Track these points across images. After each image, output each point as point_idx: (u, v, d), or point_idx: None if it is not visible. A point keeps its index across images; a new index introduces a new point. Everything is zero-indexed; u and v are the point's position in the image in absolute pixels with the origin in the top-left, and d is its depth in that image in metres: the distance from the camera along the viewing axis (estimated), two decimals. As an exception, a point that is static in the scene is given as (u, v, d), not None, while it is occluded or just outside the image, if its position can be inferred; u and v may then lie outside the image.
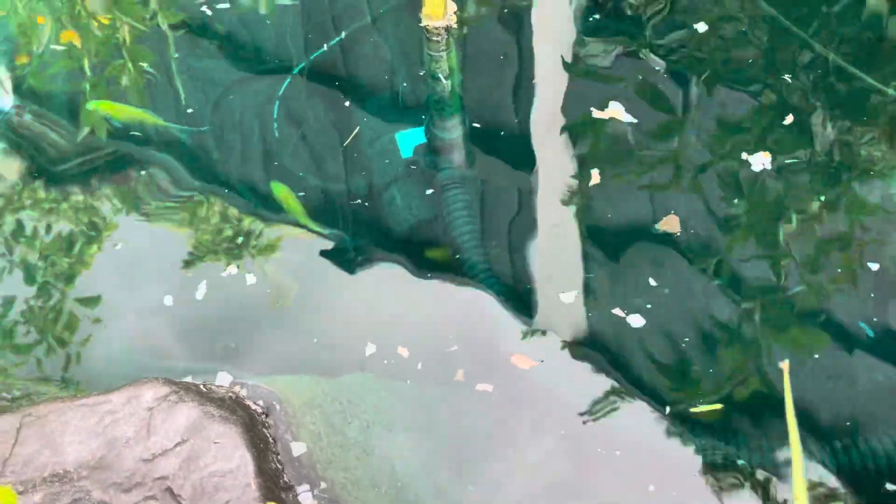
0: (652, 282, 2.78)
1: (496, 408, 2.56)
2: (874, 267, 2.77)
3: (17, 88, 3.58)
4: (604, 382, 2.62)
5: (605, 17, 3.65)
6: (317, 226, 3.05)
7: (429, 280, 2.87)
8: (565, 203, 3.04)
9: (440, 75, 3.43)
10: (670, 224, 2.91)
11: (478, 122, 3.31)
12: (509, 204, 3.11)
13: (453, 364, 2.64)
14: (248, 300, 2.84)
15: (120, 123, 3.39)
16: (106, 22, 3.79)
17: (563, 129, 3.25)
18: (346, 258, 2.95)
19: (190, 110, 3.42)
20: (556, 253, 2.93)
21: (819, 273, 2.79)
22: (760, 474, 2.41)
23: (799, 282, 2.78)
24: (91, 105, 3.44)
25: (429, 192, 3.09)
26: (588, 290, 2.80)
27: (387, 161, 3.19)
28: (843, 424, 2.48)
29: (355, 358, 2.67)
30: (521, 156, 3.20)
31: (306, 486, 2.37)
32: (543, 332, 2.72)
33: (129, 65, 3.60)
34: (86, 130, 3.38)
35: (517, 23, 3.67)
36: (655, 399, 2.57)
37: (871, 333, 2.65)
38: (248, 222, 3.07)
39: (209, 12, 3.78)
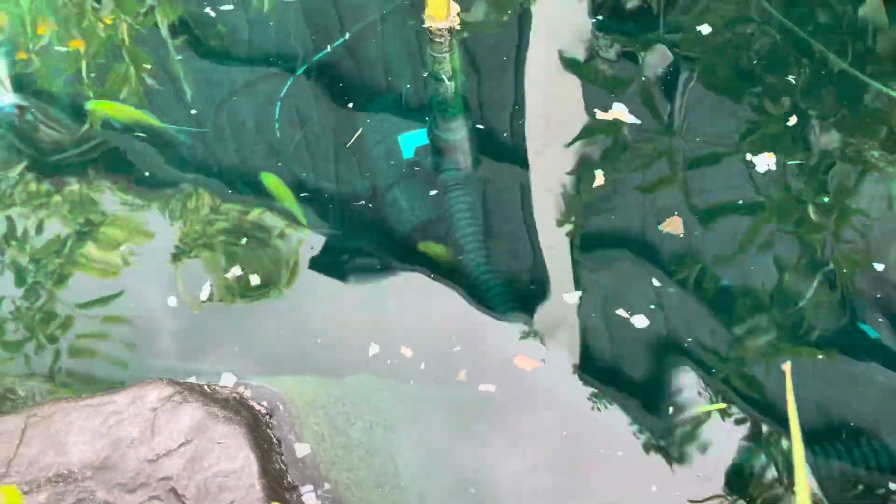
0: (656, 283, 2.79)
1: (499, 408, 2.56)
2: (879, 267, 2.78)
3: (19, 87, 3.59)
4: (607, 383, 2.62)
5: (608, 18, 3.65)
6: (306, 217, 3.08)
7: (432, 281, 2.87)
8: (569, 204, 3.04)
9: (443, 76, 3.44)
10: (674, 225, 2.91)
11: (481, 124, 3.31)
12: (512, 205, 3.11)
13: (456, 364, 2.64)
14: (251, 301, 2.84)
15: (119, 124, 3.40)
16: (109, 22, 3.79)
17: (566, 130, 3.25)
18: (349, 259, 2.95)
19: (193, 111, 3.43)
20: (559, 254, 2.93)
21: (824, 273, 2.79)
22: (763, 475, 2.41)
23: (803, 282, 2.78)
24: (90, 105, 3.45)
25: (432, 193, 3.09)
26: (591, 290, 2.80)
27: (391, 162, 3.19)
28: (847, 426, 2.48)
29: (358, 358, 2.67)
30: (524, 157, 3.21)
31: (310, 487, 2.38)
32: (546, 333, 2.72)
33: (132, 66, 3.61)
34: (85, 126, 3.38)
35: (520, 24, 3.68)
36: (658, 400, 2.57)
37: (873, 335, 2.65)
38: (252, 223, 3.07)
39: (212, 14, 3.79)
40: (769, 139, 3.14)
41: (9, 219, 3.12)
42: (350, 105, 3.40)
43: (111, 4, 3.87)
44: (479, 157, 3.23)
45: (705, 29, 3.53)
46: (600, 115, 3.26)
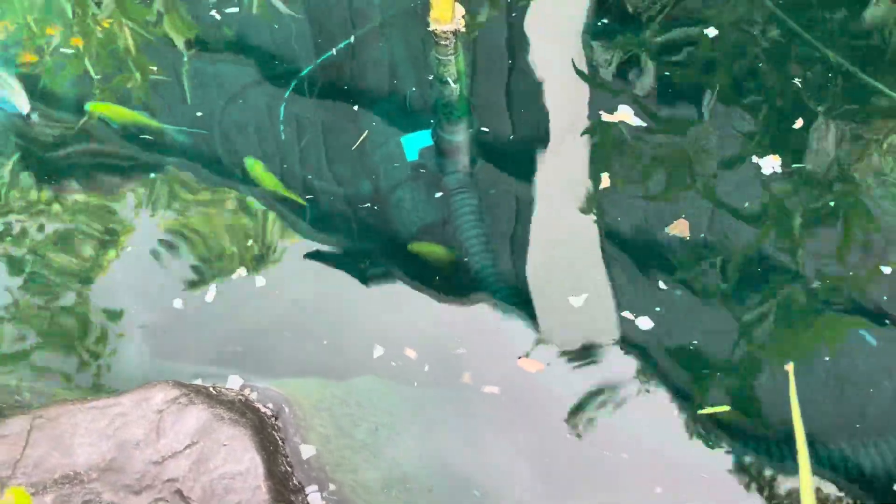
0: (662, 285, 2.79)
1: (503, 410, 2.56)
2: (887, 270, 2.77)
3: (26, 89, 3.59)
4: (611, 385, 2.62)
5: (613, 21, 3.65)
6: (293, 194, 3.12)
7: (436, 283, 2.87)
8: (574, 206, 3.04)
9: (448, 79, 3.44)
10: (680, 228, 2.91)
11: (485, 126, 3.31)
12: (517, 207, 3.11)
13: (460, 367, 2.64)
14: (257, 303, 2.84)
15: (117, 125, 3.40)
16: (107, 25, 3.80)
17: (572, 133, 3.25)
18: (354, 261, 2.96)
19: (199, 113, 3.43)
20: (564, 256, 2.93)
21: (831, 276, 2.79)
22: (768, 476, 2.41)
23: (809, 285, 2.78)
24: (89, 107, 3.46)
25: (437, 195, 3.09)
26: (597, 292, 2.80)
27: (395, 164, 3.20)
28: (851, 427, 2.48)
29: (363, 360, 2.67)
30: (529, 159, 3.21)
31: (315, 489, 2.38)
32: (551, 335, 2.73)
33: (137, 69, 3.62)
34: (93, 131, 3.39)
35: (525, 27, 3.68)
36: (663, 401, 2.57)
37: (873, 342, 2.65)
38: (256, 225, 3.07)
39: (218, 16, 3.80)
40: (775, 142, 3.14)
41: (12, 220, 3.12)
42: (355, 107, 3.40)
43: (112, 6, 3.88)
44: (484, 159, 3.23)
45: (711, 31, 3.53)
46: (606, 117, 3.26)
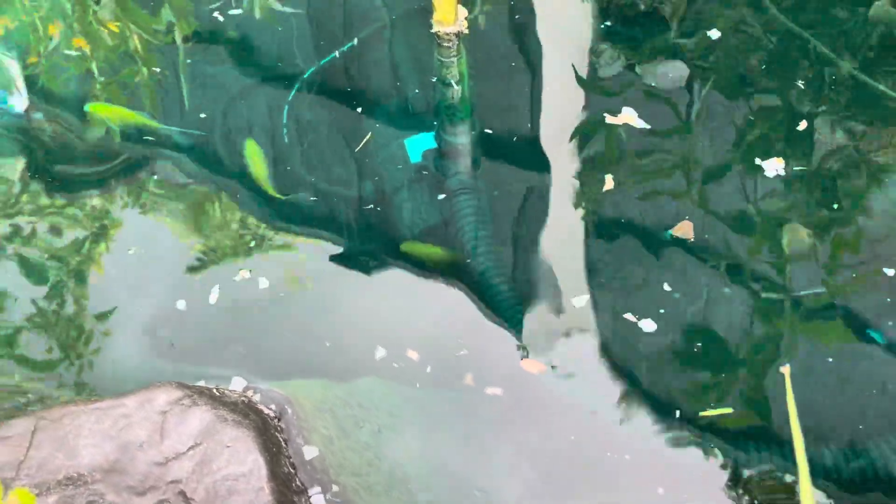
0: (666, 287, 2.79)
1: (505, 412, 2.56)
2: (890, 272, 2.77)
3: (30, 90, 3.60)
4: (614, 387, 2.62)
5: (616, 23, 3.65)
6: (277, 192, 3.13)
7: (438, 284, 2.87)
8: (578, 208, 3.04)
9: (451, 81, 3.44)
10: (684, 230, 2.91)
11: (489, 128, 3.31)
12: (520, 209, 3.11)
13: (463, 368, 2.64)
14: (260, 304, 2.84)
15: (116, 126, 3.41)
16: (115, 30, 3.81)
17: (576, 135, 3.25)
18: (357, 262, 2.96)
19: (202, 115, 3.44)
20: (568, 257, 2.93)
21: (834, 278, 2.79)
22: (770, 478, 2.41)
23: (813, 287, 2.78)
24: (88, 107, 3.46)
25: (441, 196, 3.10)
26: (600, 294, 2.80)
27: (398, 166, 3.20)
28: (855, 429, 2.48)
29: (366, 361, 2.67)
30: (533, 161, 3.21)
31: (318, 490, 2.38)
32: (554, 337, 2.73)
33: (143, 70, 3.62)
34: (97, 132, 3.40)
35: (528, 28, 3.68)
36: (665, 403, 2.57)
37: (881, 340, 2.65)
38: (259, 227, 3.08)
39: (221, 18, 3.80)
40: (778, 144, 3.14)
41: (17, 222, 3.13)
42: (358, 109, 3.40)
43: (112, 5, 3.88)
44: (487, 161, 3.23)
45: (714, 34, 3.53)
46: (609, 119, 3.26)
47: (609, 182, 3.07)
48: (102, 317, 2.84)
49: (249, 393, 2.55)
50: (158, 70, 3.62)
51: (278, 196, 3.12)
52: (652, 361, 2.66)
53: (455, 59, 3.47)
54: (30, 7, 3.94)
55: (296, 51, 3.69)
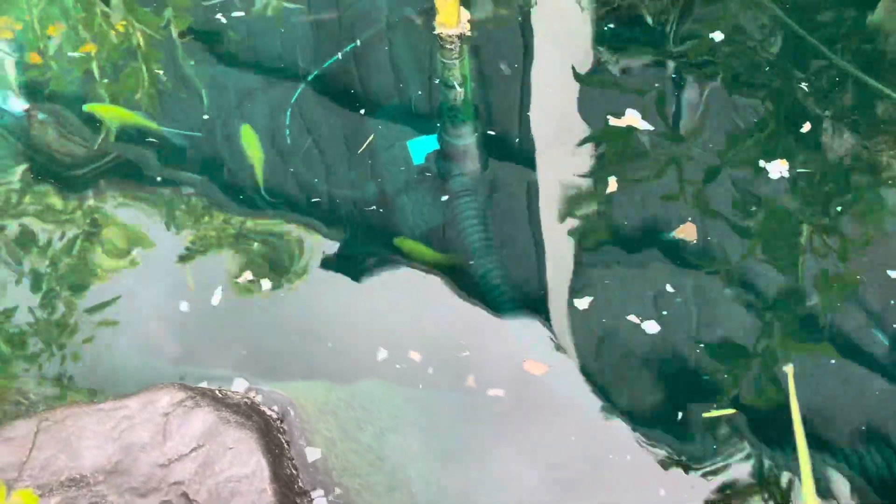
0: (669, 288, 2.79)
1: (508, 413, 2.56)
2: (893, 274, 2.77)
3: (32, 92, 3.60)
4: (616, 388, 2.62)
5: (620, 25, 3.65)
6: (261, 173, 3.21)
7: (441, 285, 2.87)
8: (582, 210, 3.04)
9: (453, 83, 3.44)
10: (687, 232, 2.91)
11: (491, 130, 3.31)
12: (523, 210, 3.11)
13: (465, 369, 2.65)
14: (262, 306, 2.85)
15: (115, 127, 3.41)
16: (121, 29, 3.81)
17: (579, 137, 3.25)
18: (359, 264, 2.96)
19: (206, 116, 3.44)
20: (571, 259, 2.93)
21: (838, 280, 2.79)
22: (772, 479, 2.41)
23: (817, 289, 2.78)
24: (86, 108, 3.47)
25: (444, 198, 3.10)
26: (603, 296, 2.80)
27: (401, 168, 3.20)
28: (857, 431, 2.48)
29: (368, 363, 2.68)
30: (536, 163, 3.21)
31: (321, 492, 2.38)
32: (556, 338, 2.73)
33: (144, 72, 3.62)
34: (100, 137, 3.40)
35: (531, 31, 3.68)
36: (667, 404, 2.57)
37: (885, 341, 2.65)
38: (262, 228, 3.08)
39: (224, 20, 3.80)
40: (782, 146, 3.14)
41: (18, 225, 3.13)
42: (361, 111, 3.40)
43: (121, 7, 3.89)
44: (490, 162, 3.24)
45: (717, 36, 3.53)
46: (613, 121, 3.26)
47: (613, 184, 3.07)
48: (105, 318, 2.85)
49: (252, 394, 2.56)
50: (162, 72, 3.62)
51: (259, 182, 3.19)
52: (655, 363, 2.66)
53: (457, 61, 3.47)
54: (33, 7, 3.94)
55: (300, 53, 3.69)
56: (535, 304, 2.83)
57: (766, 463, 2.44)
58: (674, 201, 3.03)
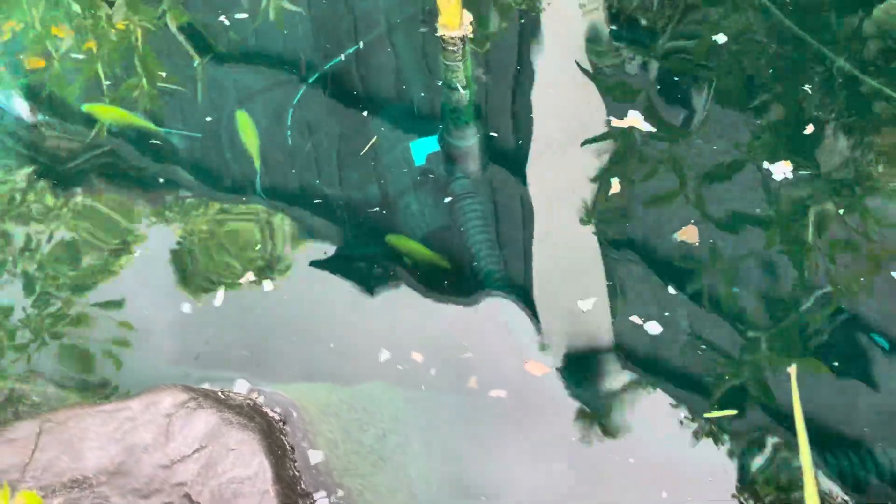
0: (671, 290, 2.79)
1: (510, 414, 2.56)
2: (896, 276, 2.78)
3: (35, 93, 3.61)
4: (618, 390, 2.62)
5: (622, 27, 3.66)
6: (256, 155, 3.26)
7: (443, 287, 2.87)
8: (584, 211, 3.04)
9: (456, 85, 3.44)
10: (689, 233, 2.91)
11: (493, 132, 3.31)
12: (525, 212, 3.11)
13: (467, 370, 2.65)
14: (265, 307, 2.85)
15: (114, 127, 3.42)
16: (122, 27, 3.82)
17: (582, 138, 3.26)
18: (361, 265, 2.96)
19: (208, 118, 3.44)
20: (572, 260, 2.93)
21: (840, 283, 2.78)
22: (774, 481, 2.41)
23: (819, 291, 2.78)
24: (85, 108, 3.47)
25: (445, 200, 3.10)
26: (605, 297, 2.80)
27: (403, 170, 3.20)
28: (860, 433, 2.48)
29: (370, 364, 2.68)
30: (538, 165, 3.21)
31: (323, 494, 2.38)
32: (558, 339, 2.73)
33: (146, 74, 3.63)
34: (100, 134, 3.41)
35: (533, 32, 3.68)
36: (669, 406, 2.57)
37: (885, 346, 2.65)
38: (265, 230, 3.08)
39: (227, 22, 3.81)
40: (785, 147, 3.14)
41: (20, 226, 3.14)
42: (364, 113, 3.41)
43: (124, 8, 3.90)
44: (492, 164, 3.24)
45: (720, 38, 3.53)
46: (616, 122, 3.26)
47: (615, 186, 3.07)
48: (107, 319, 2.85)
49: (254, 396, 2.56)
50: (165, 74, 3.62)
51: (256, 164, 3.25)
52: (657, 364, 2.66)
53: (460, 63, 3.47)
54: (37, 10, 3.95)
55: (301, 55, 3.69)
56: (537, 306, 2.83)
57: (768, 465, 2.44)
58: (676, 203, 3.03)
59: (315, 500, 2.36)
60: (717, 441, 2.49)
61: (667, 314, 2.73)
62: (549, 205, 3.09)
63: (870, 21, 3.52)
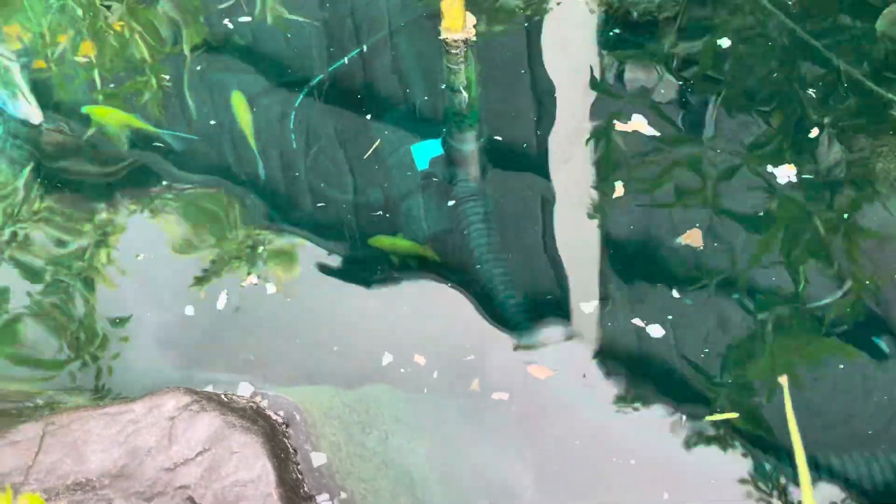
0: (674, 293, 2.79)
1: (512, 417, 2.56)
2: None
3: (36, 96, 3.62)
4: (620, 392, 2.62)
5: (625, 30, 3.65)
6: (252, 139, 3.30)
7: (446, 290, 2.88)
8: (588, 215, 3.04)
9: (459, 87, 3.44)
10: (693, 237, 2.91)
11: (496, 135, 3.31)
12: (529, 215, 3.11)
13: (469, 373, 2.65)
14: (267, 310, 2.85)
15: (113, 129, 3.42)
16: (118, 29, 3.82)
17: (586, 142, 3.26)
18: (364, 268, 2.97)
19: (212, 122, 3.45)
20: (576, 263, 2.93)
21: (844, 286, 2.78)
22: (775, 484, 2.41)
23: (822, 295, 2.78)
24: (85, 110, 3.48)
25: (449, 203, 3.10)
26: (608, 300, 2.80)
27: (406, 173, 3.20)
28: (858, 438, 2.48)
29: (373, 367, 2.68)
30: (541, 168, 3.21)
31: (326, 496, 2.38)
32: (560, 342, 2.73)
33: (149, 76, 3.64)
34: (101, 137, 3.42)
35: (537, 36, 3.68)
36: (671, 409, 2.57)
37: (886, 350, 2.64)
38: (267, 232, 3.08)
39: (230, 25, 3.81)
40: (790, 151, 3.13)
41: (23, 229, 3.14)
42: (367, 116, 3.41)
43: (121, 9, 3.90)
44: (495, 167, 3.24)
45: (725, 42, 3.53)
46: (619, 126, 3.26)
47: (619, 189, 3.07)
48: (110, 322, 2.85)
49: (257, 399, 2.56)
50: (167, 77, 3.63)
51: (253, 147, 3.30)
52: (659, 367, 2.66)
53: (463, 66, 3.48)
54: (39, 13, 3.95)
55: (304, 57, 3.70)
56: (540, 308, 2.83)
57: (769, 467, 2.44)
58: (680, 207, 3.03)
59: (318, 503, 2.37)
60: (717, 444, 2.49)
61: (670, 318, 2.73)
62: (552, 208, 3.09)
63: (875, 25, 3.52)
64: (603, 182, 3.11)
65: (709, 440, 2.50)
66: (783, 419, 2.49)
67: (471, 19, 3.54)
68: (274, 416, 2.51)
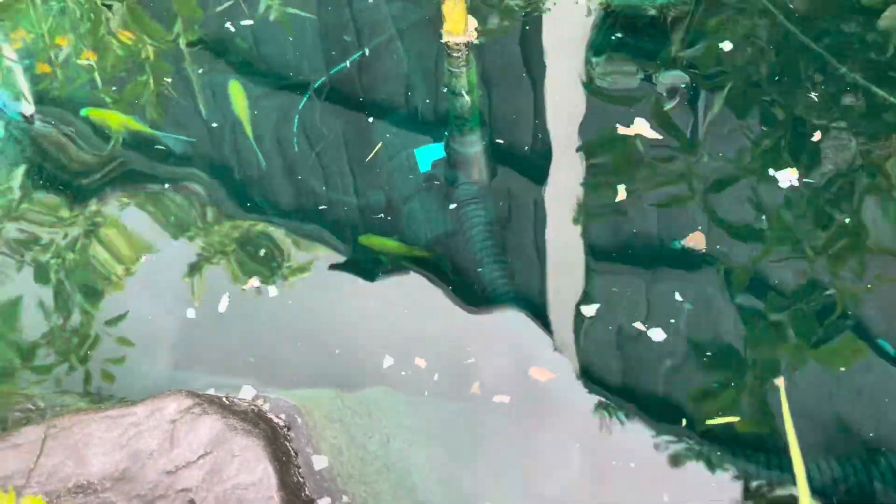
0: (676, 297, 2.78)
1: (513, 420, 2.56)
2: (902, 281, 2.78)
3: (39, 99, 3.62)
4: (621, 395, 2.62)
5: (627, 34, 3.66)
6: (248, 125, 3.36)
7: (447, 292, 2.88)
8: (590, 218, 3.04)
9: (460, 91, 3.45)
10: (695, 240, 2.91)
11: (498, 138, 3.32)
12: (530, 218, 3.11)
13: (470, 376, 2.65)
14: (269, 313, 2.85)
15: (112, 131, 3.43)
16: (126, 41, 3.83)
17: (588, 145, 3.26)
18: (365, 271, 2.97)
19: (214, 124, 3.45)
20: (578, 266, 2.93)
21: (846, 289, 2.78)
22: (775, 487, 2.41)
23: (824, 298, 2.77)
24: (84, 112, 3.49)
25: (450, 206, 3.10)
26: (609, 303, 2.80)
27: (408, 176, 3.21)
28: (856, 439, 2.48)
29: (374, 370, 2.68)
30: (544, 171, 3.21)
31: (328, 500, 2.38)
32: (562, 345, 2.73)
33: (150, 80, 3.64)
34: (103, 139, 3.42)
35: (538, 39, 3.68)
36: (672, 412, 2.57)
37: (892, 352, 2.64)
38: (269, 235, 3.09)
39: (232, 28, 3.82)
40: (792, 155, 3.13)
41: (24, 229, 3.14)
42: (369, 119, 3.41)
43: (122, 11, 3.91)
44: (497, 170, 3.24)
45: (726, 46, 3.53)
46: (622, 129, 3.26)
47: (622, 192, 3.07)
48: (112, 324, 2.85)
49: (259, 402, 2.56)
50: (170, 80, 3.63)
51: (248, 132, 3.35)
52: (660, 370, 2.66)
53: (465, 70, 3.48)
54: (43, 17, 3.96)
55: (306, 61, 3.70)
56: (541, 311, 2.83)
57: (769, 470, 2.44)
58: (682, 210, 3.03)
59: (319, 507, 2.37)
60: (718, 447, 2.49)
61: (671, 321, 2.73)
62: (554, 211, 3.09)
63: (874, 28, 3.52)
64: (605, 185, 3.11)
65: (709, 443, 2.50)
66: (783, 423, 2.49)
67: (472, 22, 3.55)
68: (275, 420, 2.51)
